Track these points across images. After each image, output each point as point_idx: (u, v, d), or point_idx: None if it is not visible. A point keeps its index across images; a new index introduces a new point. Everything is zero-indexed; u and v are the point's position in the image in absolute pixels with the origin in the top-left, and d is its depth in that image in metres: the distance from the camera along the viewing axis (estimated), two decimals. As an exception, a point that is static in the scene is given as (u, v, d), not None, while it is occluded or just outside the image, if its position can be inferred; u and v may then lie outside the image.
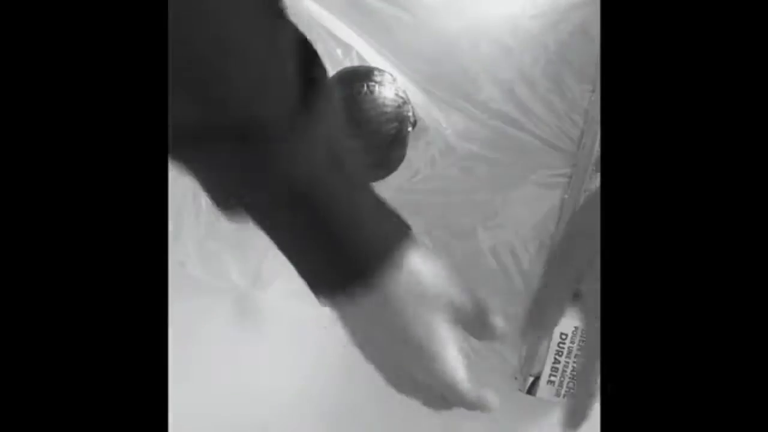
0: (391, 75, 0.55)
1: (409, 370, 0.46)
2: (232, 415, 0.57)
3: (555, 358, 0.53)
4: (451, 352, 0.45)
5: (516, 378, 0.55)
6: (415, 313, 0.45)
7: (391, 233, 0.45)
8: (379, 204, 0.45)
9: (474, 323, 0.46)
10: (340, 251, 0.43)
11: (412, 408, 0.53)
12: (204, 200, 0.57)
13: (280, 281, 0.57)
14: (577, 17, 0.57)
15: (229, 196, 0.43)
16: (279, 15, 0.40)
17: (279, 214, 0.43)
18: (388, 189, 0.56)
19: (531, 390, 0.53)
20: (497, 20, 0.57)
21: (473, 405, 0.46)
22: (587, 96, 0.57)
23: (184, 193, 0.57)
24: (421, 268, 0.45)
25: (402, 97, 0.55)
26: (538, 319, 0.47)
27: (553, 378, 0.53)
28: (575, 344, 0.53)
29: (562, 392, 0.53)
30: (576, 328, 0.53)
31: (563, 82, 0.57)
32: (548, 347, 0.53)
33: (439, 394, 0.47)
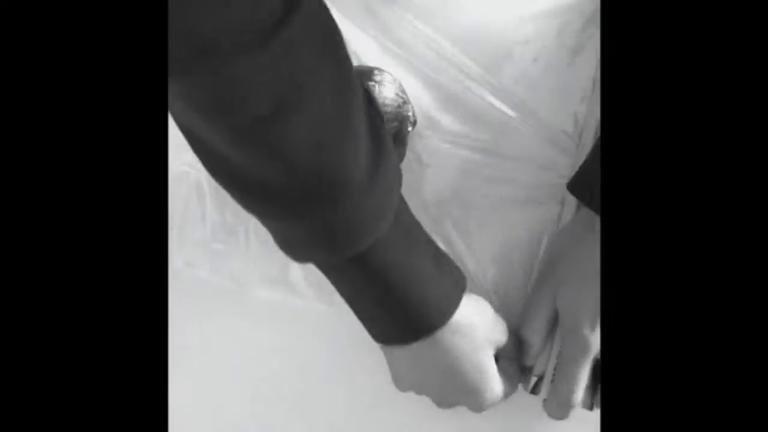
0: (391, 74, 0.55)
1: (447, 396, 0.50)
2: (231, 415, 0.57)
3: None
4: (492, 380, 0.50)
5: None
6: (463, 353, 0.48)
7: (450, 290, 0.47)
8: (438, 257, 0.48)
9: (513, 353, 0.52)
10: (402, 310, 0.46)
11: (412, 409, 0.54)
12: (209, 201, 0.57)
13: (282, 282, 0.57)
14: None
15: (301, 251, 0.45)
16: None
17: (346, 272, 0.45)
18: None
19: (534, 390, 0.53)
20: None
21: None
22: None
23: (189, 193, 0.58)
24: (472, 317, 0.48)
25: (402, 97, 0.55)
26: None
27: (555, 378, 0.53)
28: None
29: None
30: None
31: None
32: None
33: (461, 405, 0.51)
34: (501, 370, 0.51)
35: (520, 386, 0.54)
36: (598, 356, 0.50)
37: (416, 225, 0.47)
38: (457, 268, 0.49)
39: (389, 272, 0.44)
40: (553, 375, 0.52)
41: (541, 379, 0.53)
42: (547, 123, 0.56)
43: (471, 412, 0.51)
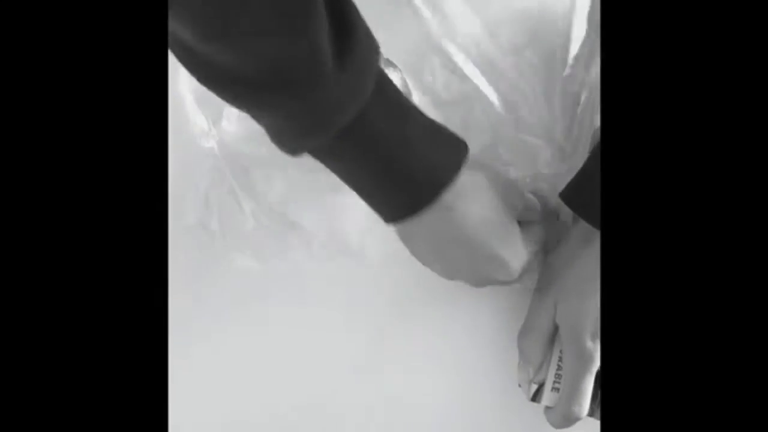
0: (396, 66, 0.55)
1: (474, 269, 0.49)
2: (232, 412, 0.57)
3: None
4: (516, 245, 0.49)
5: (520, 385, 0.56)
6: (477, 218, 0.47)
7: (450, 153, 0.46)
8: (433, 125, 0.46)
9: (536, 215, 0.51)
10: (402, 177, 0.44)
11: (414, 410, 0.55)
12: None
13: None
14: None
15: (290, 141, 0.44)
16: None
17: (339, 152, 0.44)
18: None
19: (535, 397, 0.54)
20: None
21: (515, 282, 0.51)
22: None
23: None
24: (481, 181, 0.47)
25: (405, 86, 0.54)
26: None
27: (557, 385, 0.53)
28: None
29: None
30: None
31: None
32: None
33: (493, 279, 0.50)
34: (525, 233, 0.50)
35: (520, 392, 0.55)
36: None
37: (403, 96, 0.46)
38: (456, 136, 0.47)
39: (381, 141, 0.43)
40: (554, 382, 0.53)
41: (541, 386, 0.53)
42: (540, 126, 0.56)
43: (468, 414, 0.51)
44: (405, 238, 0.49)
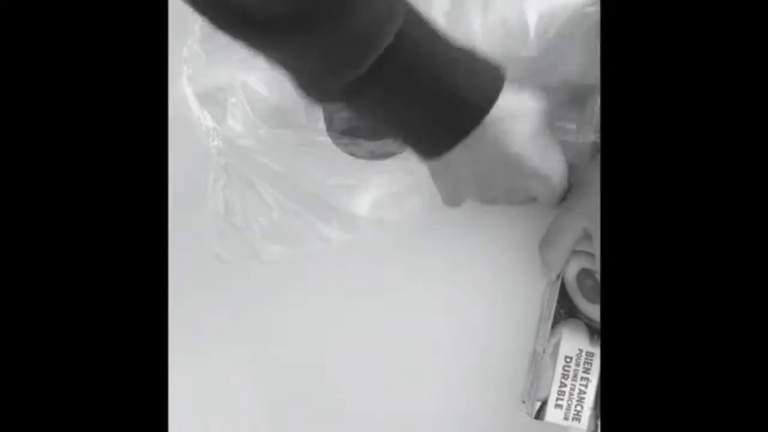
0: None
1: (516, 188, 0.50)
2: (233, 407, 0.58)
3: (561, 382, 0.52)
4: (557, 161, 0.49)
5: (524, 402, 0.55)
6: (521, 137, 0.46)
7: (491, 72, 0.45)
8: (466, 47, 0.45)
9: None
10: (446, 100, 0.44)
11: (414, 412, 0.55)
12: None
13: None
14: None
15: (327, 79, 0.43)
16: None
17: (379, 82, 0.43)
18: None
19: (539, 415, 0.52)
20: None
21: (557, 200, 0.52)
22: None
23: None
24: (524, 102, 0.47)
25: None
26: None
27: (560, 402, 0.52)
28: (580, 367, 0.52)
29: (570, 416, 0.52)
30: (580, 350, 0.52)
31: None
32: (553, 371, 0.52)
33: (532, 197, 0.51)
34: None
35: (525, 410, 0.54)
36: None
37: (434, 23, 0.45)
38: (488, 59, 0.46)
39: (424, 60, 0.43)
40: (557, 399, 0.51)
41: (545, 403, 0.52)
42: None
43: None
44: (441, 172, 0.49)
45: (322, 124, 0.55)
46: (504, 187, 0.50)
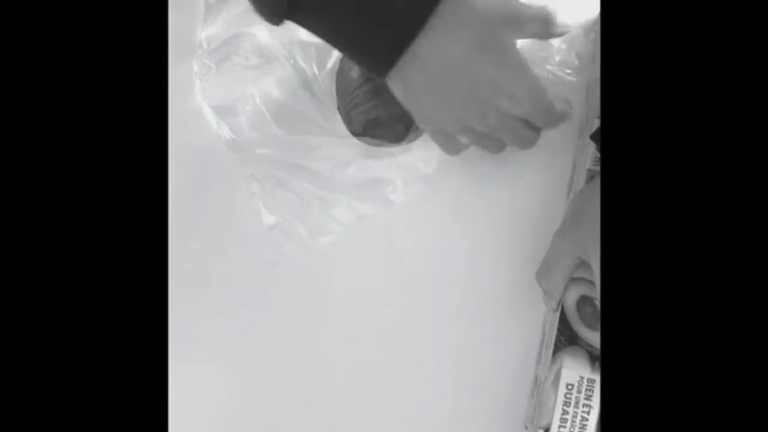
0: None
1: (476, 100, 0.46)
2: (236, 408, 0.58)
3: (563, 410, 0.52)
4: (522, 72, 0.46)
5: (527, 428, 0.55)
6: (473, 41, 0.44)
7: None
8: None
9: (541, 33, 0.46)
10: (374, 17, 0.43)
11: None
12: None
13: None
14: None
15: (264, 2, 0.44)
16: None
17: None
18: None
19: None
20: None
21: (558, 118, 0.48)
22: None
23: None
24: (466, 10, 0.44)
25: None
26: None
27: (563, 429, 0.52)
28: (582, 394, 0.52)
29: None
30: (582, 377, 0.52)
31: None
32: (555, 398, 0.52)
33: (520, 125, 0.48)
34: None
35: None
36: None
37: None
38: None
39: None
40: (560, 426, 0.51)
41: (548, 431, 0.52)
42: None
43: None
44: (404, 87, 0.47)
45: (340, 125, 0.56)
46: (471, 106, 0.46)
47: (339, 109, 0.55)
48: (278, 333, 0.58)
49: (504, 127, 0.48)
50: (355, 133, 0.55)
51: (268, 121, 0.56)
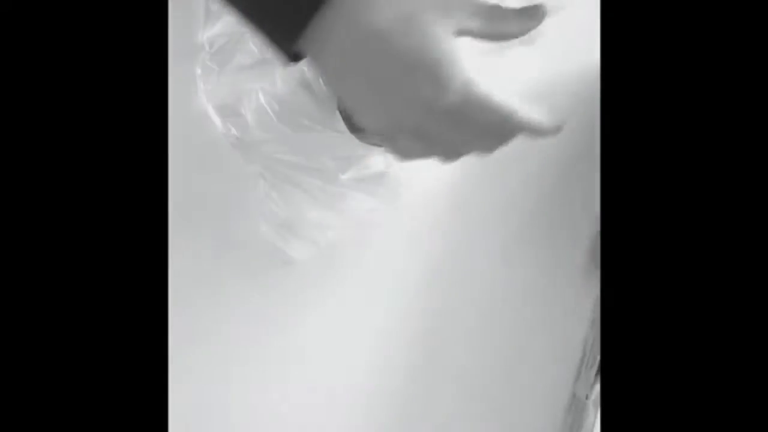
0: None
1: (399, 87, 0.39)
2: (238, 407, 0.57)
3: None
4: (464, 66, 0.38)
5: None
6: (390, 23, 0.38)
7: None
8: None
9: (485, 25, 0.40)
10: None
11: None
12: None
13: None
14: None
15: None
16: None
17: None
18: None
19: None
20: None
21: (523, 125, 0.40)
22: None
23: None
24: None
25: None
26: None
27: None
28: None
29: None
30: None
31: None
32: (596, 418, 0.51)
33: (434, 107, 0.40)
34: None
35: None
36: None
37: None
38: None
39: None
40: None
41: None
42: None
43: None
44: (341, 79, 0.40)
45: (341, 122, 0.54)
46: (387, 83, 0.39)
47: (339, 109, 0.54)
48: (288, 330, 0.57)
49: (437, 125, 0.40)
50: (356, 135, 0.54)
51: (272, 119, 0.55)
